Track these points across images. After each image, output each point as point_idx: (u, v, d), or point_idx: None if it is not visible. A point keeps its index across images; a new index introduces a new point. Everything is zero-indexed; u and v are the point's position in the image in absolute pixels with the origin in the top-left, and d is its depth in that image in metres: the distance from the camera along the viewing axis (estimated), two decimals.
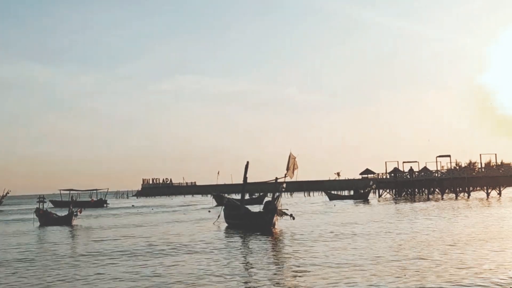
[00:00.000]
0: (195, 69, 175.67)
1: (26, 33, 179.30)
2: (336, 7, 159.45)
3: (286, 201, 53.88)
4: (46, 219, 30.07)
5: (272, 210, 21.28)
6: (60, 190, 54.76)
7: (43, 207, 31.41)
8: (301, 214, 29.20)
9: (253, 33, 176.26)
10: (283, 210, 21.89)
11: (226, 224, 24.04)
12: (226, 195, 63.46)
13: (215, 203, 55.36)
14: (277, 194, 22.08)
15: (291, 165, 22.62)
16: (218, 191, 62.78)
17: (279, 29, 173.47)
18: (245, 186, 24.06)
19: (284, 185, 22.66)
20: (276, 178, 22.72)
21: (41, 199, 31.34)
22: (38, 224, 29.71)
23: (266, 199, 33.85)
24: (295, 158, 22.78)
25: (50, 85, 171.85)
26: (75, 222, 28.85)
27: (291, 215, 21.74)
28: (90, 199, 57.25)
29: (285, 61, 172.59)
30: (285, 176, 22.48)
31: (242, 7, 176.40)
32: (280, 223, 22.10)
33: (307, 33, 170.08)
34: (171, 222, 26.76)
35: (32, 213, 32.54)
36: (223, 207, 25.25)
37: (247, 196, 40.25)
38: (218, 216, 25.23)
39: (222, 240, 18.16)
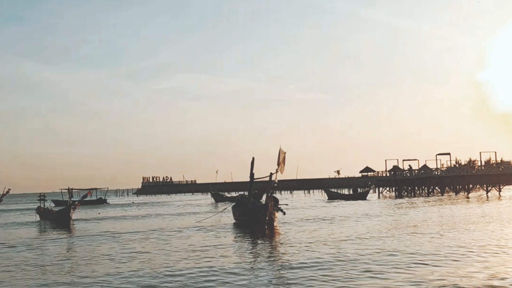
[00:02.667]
0: (196, 68, 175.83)
1: (27, 32, 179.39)
2: (336, 5, 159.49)
3: (286, 201, 53.93)
4: (48, 213, 30.82)
5: (265, 207, 21.42)
6: (60, 189, 55.08)
7: (44, 205, 31.93)
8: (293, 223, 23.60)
9: (253, 32, 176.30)
10: (278, 206, 22.29)
11: (228, 222, 24.26)
12: (225, 193, 63.96)
13: (213, 201, 55.76)
14: (271, 191, 22.50)
15: (281, 160, 23.05)
16: (217, 189, 63.12)
17: (279, 28, 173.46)
18: (252, 182, 24.29)
19: (276, 181, 23.08)
20: (271, 174, 23.04)
21: (42, 197, 31.91)
22: (38, 219, 30.52)
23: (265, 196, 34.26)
24: (285, 153, 23.21)
25: (50, 84, 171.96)
26: (74, 215, 29.19)
27: (281, 210, 22.25)
28: (87, 191, 57.70)
29: (285, 60, 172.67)
30: (276, 172, 22.91)
31: (243, 7, 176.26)
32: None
33: (307, 32, 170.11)
34: (179, 231, 21.58)
35: (27, 217, 32.93)
36: (233, 204, 25.49)
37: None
38: (223, 212, 25.56)
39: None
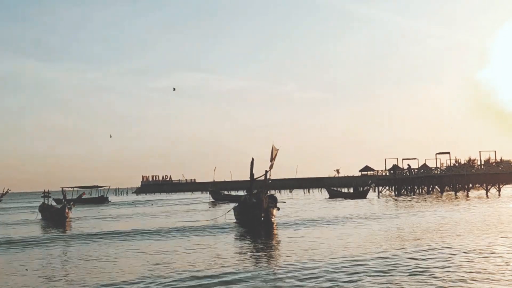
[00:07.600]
0: (194, 66, 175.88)
1: (25, 30, 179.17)
2: (334, 3, 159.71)
3: (286, 201, 54.08)
4: (46, 212, 31.62)
5: (259, 205, 21.87)
6: (62, 187, 55.39)
7: (48, 201, 33.16)
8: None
9: (251, 30, 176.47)
10: (276, 204, 23.21)
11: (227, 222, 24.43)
12: (224, 192, 64.06)
13: (211, 199, 56.04)
14: (266, 190, 23.18)
15: (274, 156, 23.92)
16: (216, 188, 63.15)
17: (278, 26, 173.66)
18: (252, 182, 24.79)
19: (270, 181, 23.85)
20: (266, 171, 23.79)
21: (46, 194, 33.17)
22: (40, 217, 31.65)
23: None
24: (277, 150, 24.08)
25: (50, 82, 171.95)
26: (70, 215, 30.13)
27: (276, 206, 23.14)
28: (82, 193, 58.29)
29: (284, 58, 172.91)
30: (270, 168, 23.75)
31: (241, 4, 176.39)
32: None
33: (305, 30, 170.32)
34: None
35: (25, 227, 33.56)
36: (236, 204, 25.80)
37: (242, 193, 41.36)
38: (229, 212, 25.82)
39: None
